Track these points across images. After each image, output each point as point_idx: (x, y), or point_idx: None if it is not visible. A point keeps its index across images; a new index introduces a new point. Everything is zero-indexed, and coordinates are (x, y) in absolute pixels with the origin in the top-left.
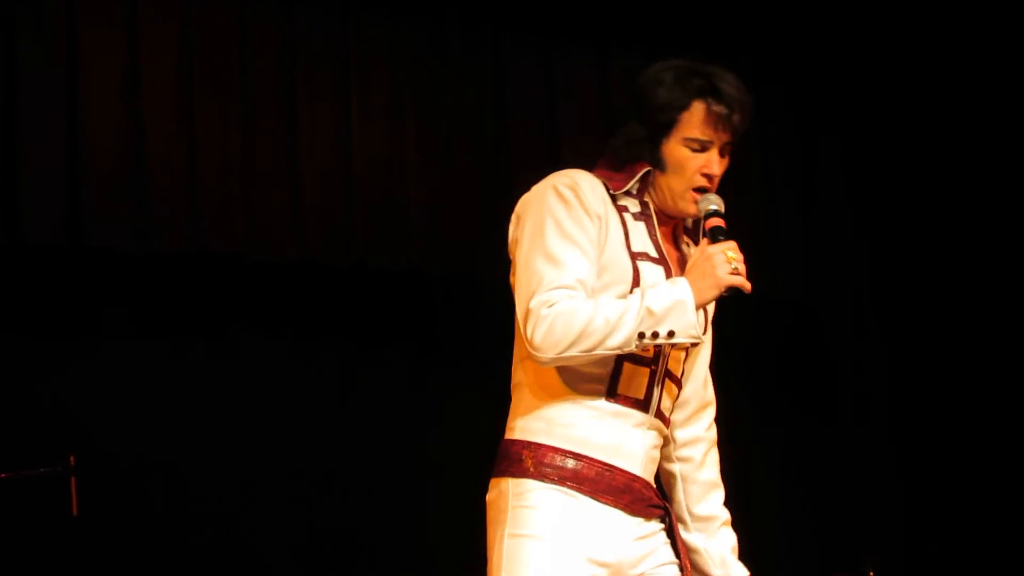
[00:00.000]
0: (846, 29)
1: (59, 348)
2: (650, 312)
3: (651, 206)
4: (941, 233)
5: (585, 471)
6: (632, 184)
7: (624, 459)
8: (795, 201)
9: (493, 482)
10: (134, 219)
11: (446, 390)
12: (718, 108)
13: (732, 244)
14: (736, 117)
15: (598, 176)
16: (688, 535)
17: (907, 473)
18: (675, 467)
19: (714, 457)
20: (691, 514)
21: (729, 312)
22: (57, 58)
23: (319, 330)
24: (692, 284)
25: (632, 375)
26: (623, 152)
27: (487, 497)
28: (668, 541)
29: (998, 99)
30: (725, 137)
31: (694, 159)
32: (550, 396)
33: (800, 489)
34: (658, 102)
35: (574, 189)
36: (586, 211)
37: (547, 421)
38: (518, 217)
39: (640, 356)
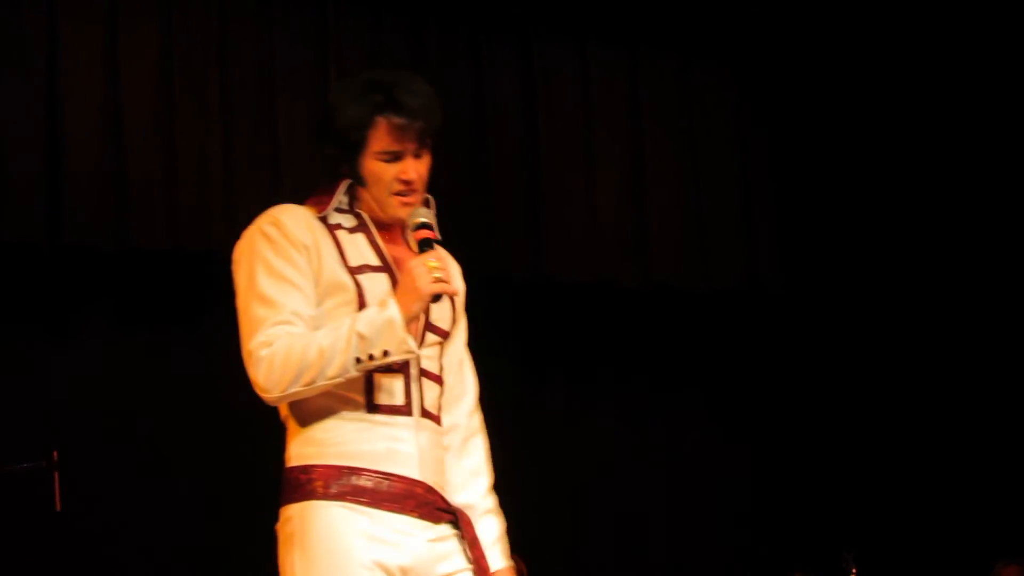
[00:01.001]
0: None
1: (41, 345)
2: (361, 337)
3: (365, 216)
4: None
5: (364, 483)
6: (338, 201)
7: (400, 466)
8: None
9: (281, 512)
10: (113, 217)
11: None
12: (399, 120)
13: (435, 253)
14: (419, 124)
15: (307, 204)
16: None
17: (888, 464)
18: (442, 455)
19: (477, 444)
20: (455, 502)
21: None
22: (37, 57)
23: None
24: (399, 300)
25: (387, 384)
26: (326, 175)
27: (276, 528)
28: (462, 547)
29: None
30: (413, 145)
31: (389, 169)
32: (317, 420)
33: (779, 485)
34: (344, 124)
35: (277, 226)
36: (292, 244)
37: (319, 444)
38: (234, 263)
39: (387, 366)
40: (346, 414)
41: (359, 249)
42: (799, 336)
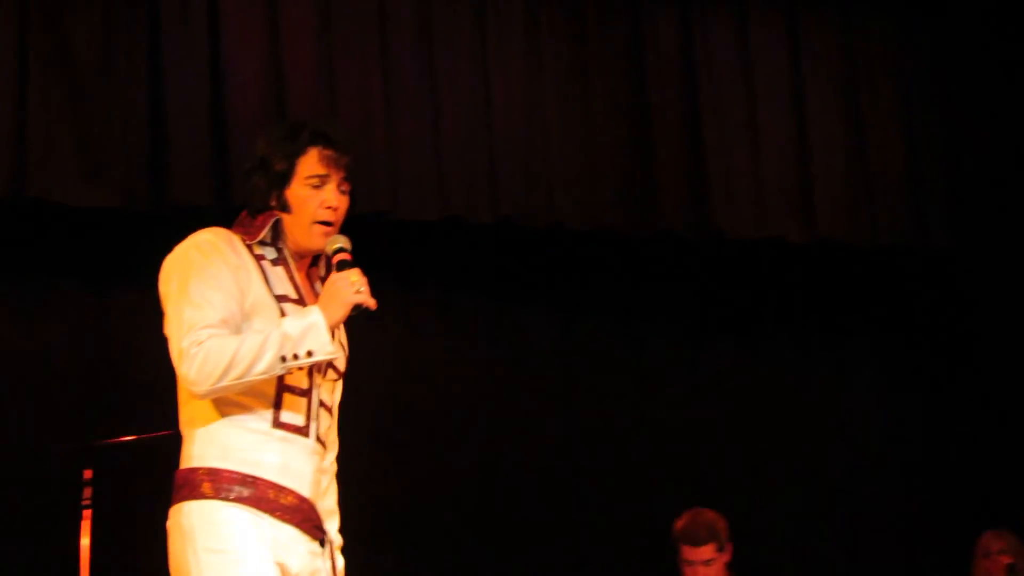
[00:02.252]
0: None
1: None
2: (287, 337)
3: (285, 251)
4: None
5: (260, 491)
6: (265, 233)
7: (293, 481)
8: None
9: (173, 510)
10: None
11: (590, 348)
12: (328, 152)
13: (356, 270)
14: (346, 159)
15: (234, 232)
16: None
17: None
18: (321, 480)
19: (333, 489)
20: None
21: None
22: (200, 23)
23: (462, 288)
24: (323, 308)
25: (292, 404)
26: (254, 207)
27: (167, 525)
28: (328, 566)
29: None
30: (340, 174)
31: (315, 195)
32: (222, 427)
33: (952, 441)
34: (276, 154)
35: (210, 242)
36: (224, 260)
37: (223, 448)
38: (166, 275)
39: (296, 387)
40: (251, 425)
41: (279, 281)
42: (967, 290)
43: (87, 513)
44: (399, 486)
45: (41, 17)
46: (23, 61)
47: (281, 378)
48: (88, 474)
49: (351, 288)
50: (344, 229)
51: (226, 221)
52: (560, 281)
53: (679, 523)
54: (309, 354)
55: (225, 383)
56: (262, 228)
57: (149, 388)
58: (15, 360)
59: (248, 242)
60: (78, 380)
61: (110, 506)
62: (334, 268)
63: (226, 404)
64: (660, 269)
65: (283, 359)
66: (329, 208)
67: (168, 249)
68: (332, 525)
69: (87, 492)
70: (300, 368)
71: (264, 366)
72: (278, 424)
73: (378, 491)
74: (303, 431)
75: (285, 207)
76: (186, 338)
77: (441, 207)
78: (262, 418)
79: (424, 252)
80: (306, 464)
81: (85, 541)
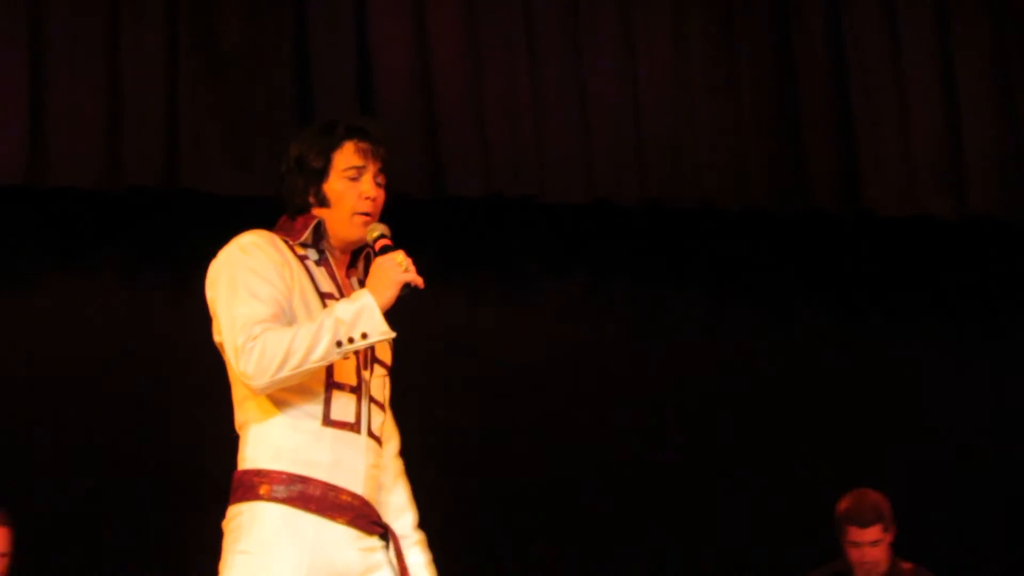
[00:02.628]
0: None
1: None
2: (340, 321)
3: (328, 252)
4: None
5: (311, 491)
6: (307, 235)
7: (345, 478)
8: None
9: (229, 511)
10: (426, 166)
11: (740, 329)
12: (364, 144)
13: (400, 252)
14: (382, 150)
15: (276, 233)
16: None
17: None
18: (379, 475)
19: (402, 485)
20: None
21: None
22: (345, 14)
23: (611, 271)
24: (372, 290)
25: (341, 401)
26: (292, 207)
27: (222, 524)
28: (390, 561)
29: None
30: (376, 165)
31: (353, 187)
32: (274, 427)
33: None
34: (311, 151)
35: (254, 243)
36: (270, 259)
37: (274, 449)
38: (212, 279)
39: (345, 384)
40: (302, 425)
41: (324, 279)
42: None
43: None
44: (556, 470)
45: (189, 6)
46: (173, 52)
47: (330, 375)
48: None
49: (398, 268)
50: (493, 213)
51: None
52: (708, 262)
53: (844, 503)
54: (364, 336)
55: (284, 374)
56: (304, 230)
57: None
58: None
59: (292, 243)
60: None
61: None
62: (376, 254)
63: (277, 404)
64: (809, 249)
65: (339, 344)
66: (367, 199)
67: None
68: (406, 520)
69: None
70: (356, 352)
71: (320, 352)
72: (328, 422)
73: (536, 475)
74: (354, 427)
75: (324, 202)
76: (240, 335)
77: (589, 190)
78: (312, 416)
79: (572, 236)
80: (359, 460)
81: None
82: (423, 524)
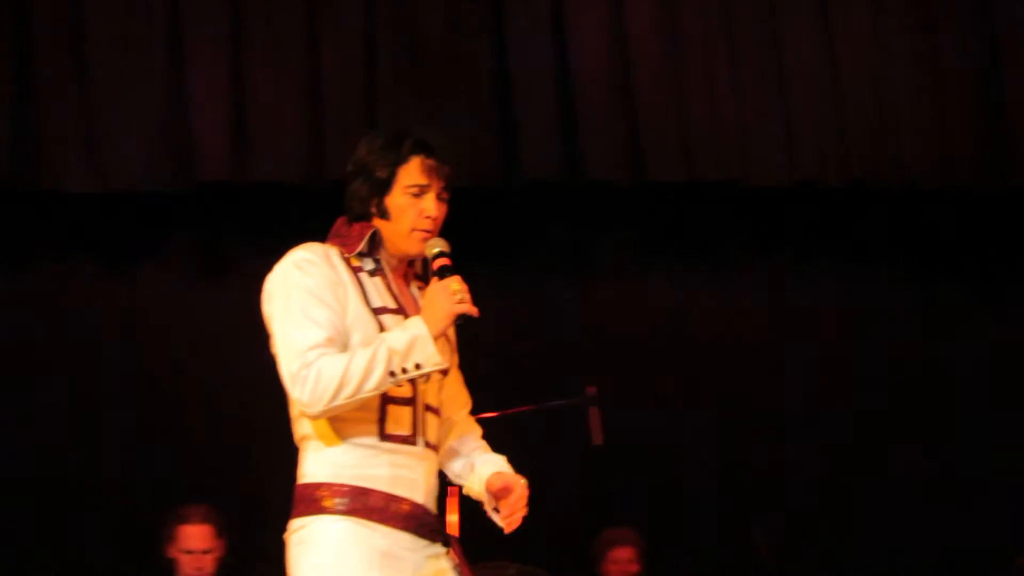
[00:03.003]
0: None
1: (563, 281)
2: (394, 352)
3: (383, 261)
4: None
5: (373, 503)
6: (363, 245)
7: (405, 490)
8: None
9: (291, 524)
10: (627, 153)
11: (945, 308)
12: (431, 161)
13: (456, 278)
14: (447, 169)
15: (332, 244)
16: (460, 480)
17: None
18: (437, 484)
19: (472, 428)
20: (451, 456)
21: None
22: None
23: (815, 252)
24: (426, 319)
25: (397, 415)
26: (353, 213)
27: (284, 537)
28: (454, 566)
29: None
30: (439, 184)
31: (414, 204)
32: (332, 443)
33: None
34: (378, 162)
35: (308, 260)
36: (325, 278)
37: (333, 464)
38: (267, 296)
39: (400, 397)
40: (359, 440)
41: (378, 291)
42: None
43: (453, 490)
44: (761, 451)
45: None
46: (370, 39)
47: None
48: None
49: (452, 298)
50: (696, 197)
51: (575, 196)
52: (912, 242)
53: None
54: (417, 367)
55: (338, 403)
56: (360, 239)
57: (506, 365)
58: None
59: (346, 255)
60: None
61: None
62: (434, 273)
63: (334, 420)
64: (1013, 227)
65: (392, 374)
66: (428, 217)
67: (523, 223)
68: (486, 459)
69: None
70: (410, 381)
71: (375, 383)
72: (384, 437)
73: (741, 456)
74: (410, 440)
75: (384, 215)
76: (295, 361)
77: (792, 172)
78: (368, 432)
79: (776, 219)
80: (417, 472)
81: (453, 518)
82: None
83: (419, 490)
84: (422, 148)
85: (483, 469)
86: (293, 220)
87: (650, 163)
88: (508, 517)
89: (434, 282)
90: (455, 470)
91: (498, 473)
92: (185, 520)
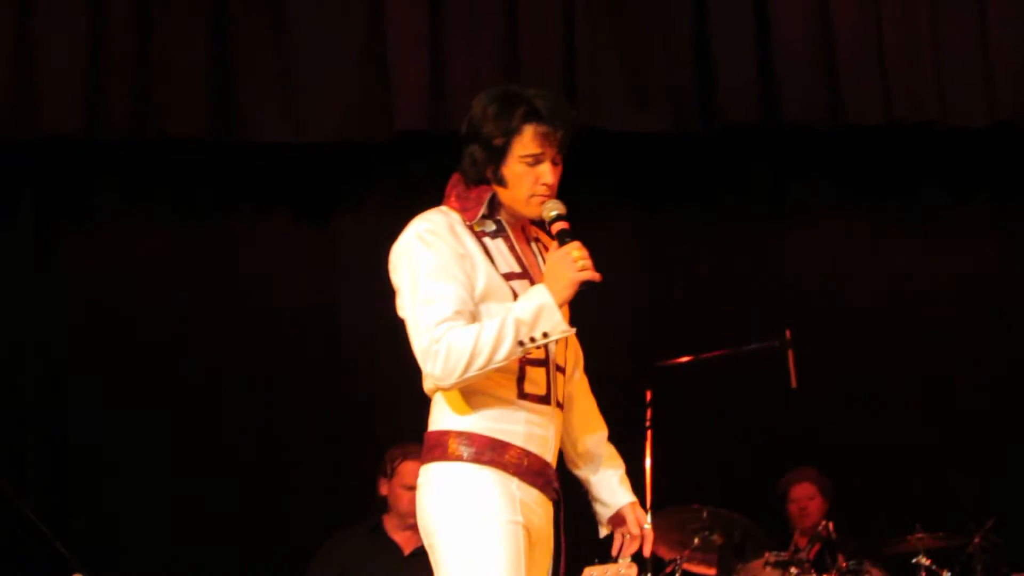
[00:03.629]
0: None
1: (767, 225)
2: (521, 322)
3: (503, 222)
4: None
5: (510, 456)
6: (484, 209)
7: (536, 447)
8: None
9: (423, 469)
10: (826, 97)
11: None
12: (543, 128)
13: (577, 244)
14: (560, 133)
15: (452, 209)
16: (578, 472)
17: None
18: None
19: (584, 404)
20: (576, 453)
21: None
22: None
23: (1015, 193)
24: (550, 287)
25: (533, 375)
26: (470, 177)
27: (419, 481)
28: (553, 530)
29: None
30: (553, 151)
31: (530, 173)
32: (472, 394)
33: None
34: (492, 131)
35: (434, 232)
36: (451, 249)
37: (474, 416)
38: (394, 266)
39: (535, 358)
40: (498, 395)
41: (503, 256)
42: None
43: (648, 434)
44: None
45: None
46: None
47: None
48: (649, 395)
49: (574, 266)
50: (891, 139)
51: (776, 142)
52: None
53: None
54: (545, 335)
55: (470, 374)
56: (479, 203)
57: (702, 309)
58: None
59: (468, 221)
60: (630, 304)
61: (668, 427)
62: (553, 236)
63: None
64: None
65: (520, 343)
66: (544, 184)
67: (724, 166)
68: (596, 437)
69: (648, 413)
70: (538, 348)
71: (505, 353)
72: (523, 395)
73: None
74: (545, 399)
75: (501, 182)
76: (424, 337)
77: (989, 113)
78: (508, 389)
79: (973, 161)
80: (548, 431)
81: (647, 462)
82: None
83: (549, 448)
84: (534, 116)
85: (619, 498)
86: None
87: (849, 107)
88: (624, 552)
89: (554, 248)
90: (585, 475)
91: (632, 508)
92: (409, 456)
